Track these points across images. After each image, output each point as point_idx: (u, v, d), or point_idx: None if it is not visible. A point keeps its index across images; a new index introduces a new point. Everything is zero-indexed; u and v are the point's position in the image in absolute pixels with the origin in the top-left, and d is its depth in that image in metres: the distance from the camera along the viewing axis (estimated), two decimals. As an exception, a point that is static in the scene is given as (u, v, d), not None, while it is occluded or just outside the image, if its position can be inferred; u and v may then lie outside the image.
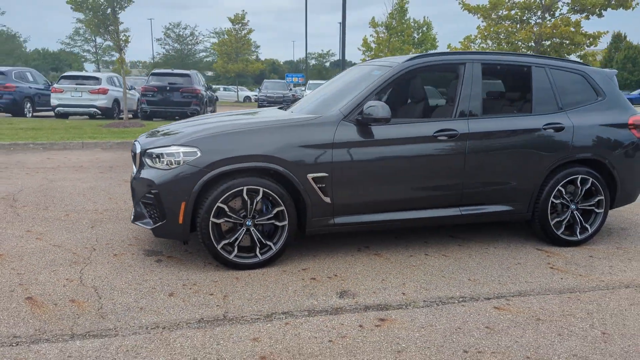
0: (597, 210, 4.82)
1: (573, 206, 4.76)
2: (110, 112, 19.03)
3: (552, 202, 4.68)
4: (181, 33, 61.95)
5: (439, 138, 4.35)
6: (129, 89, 21.07)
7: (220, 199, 3.89)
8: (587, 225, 4.80)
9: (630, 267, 4.32)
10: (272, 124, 4.22)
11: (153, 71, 20.33)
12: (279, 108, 5.65)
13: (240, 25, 49.16)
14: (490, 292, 3.72)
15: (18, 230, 4.97)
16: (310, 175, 4.05)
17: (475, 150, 4.43)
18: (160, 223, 3.98)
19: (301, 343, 2.92)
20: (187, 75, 19.11)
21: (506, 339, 3.03)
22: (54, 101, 18.79)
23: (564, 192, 4.70)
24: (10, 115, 19.14)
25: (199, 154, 3.90)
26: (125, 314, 3.23)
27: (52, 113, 19.25)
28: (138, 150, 4.26)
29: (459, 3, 17.39)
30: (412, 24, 46.76)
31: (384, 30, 43.05)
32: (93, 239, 4.77)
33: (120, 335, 2.96)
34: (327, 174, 4.09)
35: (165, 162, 3.97)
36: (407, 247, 4.70)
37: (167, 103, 18.44)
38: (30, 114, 19.96)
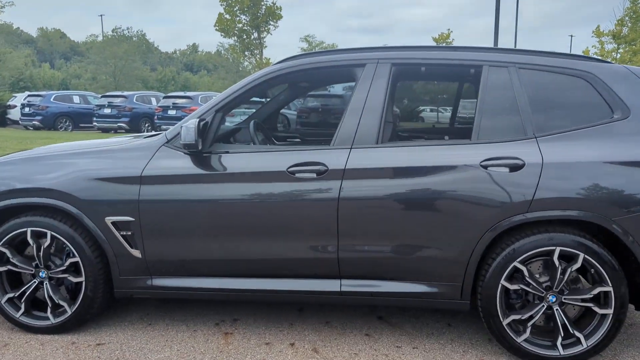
0: (597, 311, 2.76)
1: (552, 298, 2.80)
2: None
3: (505, 286, 2.81)
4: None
5: (297, 175, 2.91)
6: None
7: (1, 242, 3.11)
8: (579, 334, 2.78)
9: None
10: (73, 149, 3.31)
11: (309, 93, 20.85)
12: None
13: (444, 43, 51.28)
14: None
15: None
16: (109, 219, 3.02)
17: (355, 196, 2.85)
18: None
19: None
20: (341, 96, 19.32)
21: None
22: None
23: (526, 273, 2.79)
24: None
25: (-16, 182, 3.18)
26: None
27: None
28: None
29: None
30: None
31: (611, 40, 37.44)
32: None
33: None
34: (132, 219, 3.01)
35: None
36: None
37: None
38: None
